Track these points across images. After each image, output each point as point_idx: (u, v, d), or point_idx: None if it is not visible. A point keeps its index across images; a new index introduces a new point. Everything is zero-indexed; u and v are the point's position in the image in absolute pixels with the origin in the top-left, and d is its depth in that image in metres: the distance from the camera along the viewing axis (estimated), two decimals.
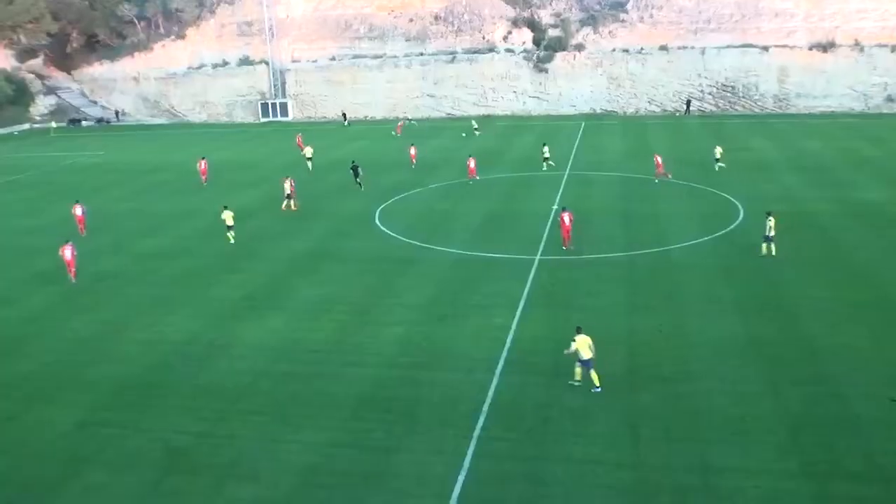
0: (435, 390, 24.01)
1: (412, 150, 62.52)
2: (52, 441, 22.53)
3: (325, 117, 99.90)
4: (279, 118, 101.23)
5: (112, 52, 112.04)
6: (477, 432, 21.42)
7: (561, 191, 49.58)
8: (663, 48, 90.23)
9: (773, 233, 34.72)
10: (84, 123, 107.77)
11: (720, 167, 54.57)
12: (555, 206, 45.09)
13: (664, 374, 24.41)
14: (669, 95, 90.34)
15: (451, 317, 29.79)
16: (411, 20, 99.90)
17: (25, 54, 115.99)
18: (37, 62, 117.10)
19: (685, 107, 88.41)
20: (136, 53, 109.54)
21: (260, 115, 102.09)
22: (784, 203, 43.66)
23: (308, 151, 63.75)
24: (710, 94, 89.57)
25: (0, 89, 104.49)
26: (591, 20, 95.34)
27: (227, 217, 42.12)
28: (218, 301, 33.14)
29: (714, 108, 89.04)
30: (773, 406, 22.19)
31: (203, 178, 58.41)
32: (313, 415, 22.95)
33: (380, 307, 31.25)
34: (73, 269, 36.91)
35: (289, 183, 49.22)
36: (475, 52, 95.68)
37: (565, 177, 54.23)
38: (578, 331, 23.91)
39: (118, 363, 27.47)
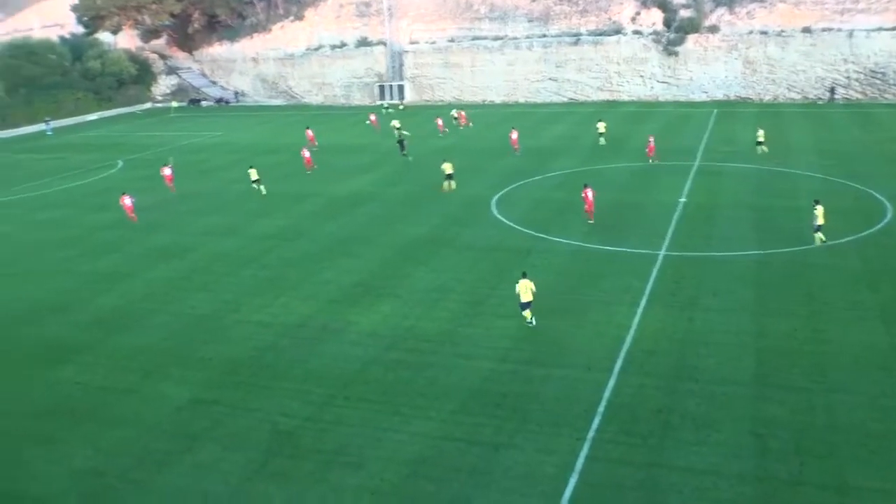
0: (548, 387, 23.84)
1: (513, 135, 62.19)
2: (166, 415, 23.67)
3: (441, 100, 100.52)
4: (396, 101, 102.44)
5: (232, 33, 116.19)
6: (591, 434, 21.15)
7: (689, 182, 48.21)
8: (806, 30, 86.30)
9: (821, 221, 34.92)
10: (203, 104, 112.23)
11: (762, 151, 55.07)
12: (682, 199, 43.94)
13: (796, 383, 23.39)
14: (812, 81, 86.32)
15: (568, 311, 29.44)
16: (534, 0, 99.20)
17: (149, 35, 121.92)
18: (159, 43, 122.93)
19: (829, 94, 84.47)
20: (255, 34, 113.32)
21: (377, 98, 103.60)
22: None
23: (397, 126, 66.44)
24: (856, 80, 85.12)
25: (124, 69, 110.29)
26: (726, 0, 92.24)
27: (252, 173, 52.59)
28: (331, 285, 33.90)
29: (861, 96, 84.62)
30: None
31: (308, 165, 59.62)
32: (423, 405, 23.16)
33: (494, 298, 31.21)
34: (132, 214, 47.35)
35: (449, 165, 49.88)
36: (600, 34, 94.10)
37: (694, 167, 52.73)
38: (524, 275, 28.24)
39: (231, 343, 28.56)
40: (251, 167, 53.36)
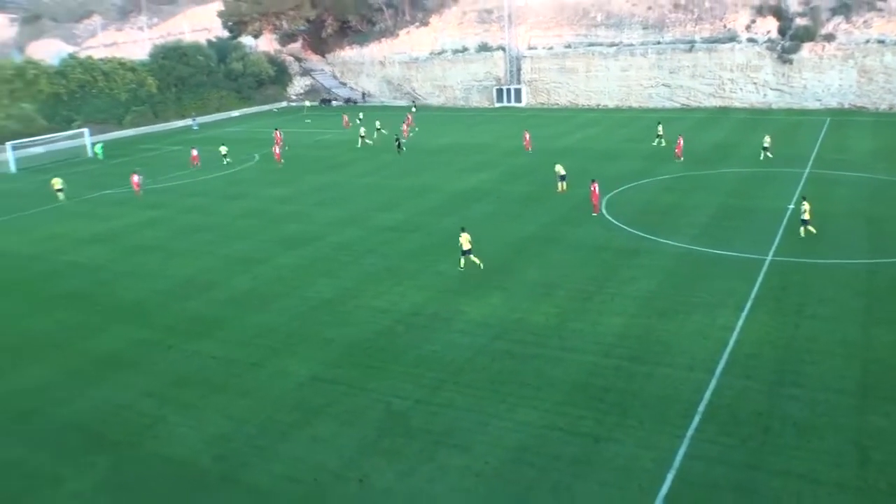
0: (650, 384, 23.37)
1: (526, 136, 66.00)
2: (288, 390, 24.43)
3: (556, 104, 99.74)
4: (512, 104, 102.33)
5: (362, 38, 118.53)
6: (690, 432, 20.60)
7: (799, 189, 46.23)
8: None
9: (806, 216, 36.57)
10: (334, 103, 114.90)
11: (767, 157, 55.47)
12: (790, 206, 42.20)
13: None
14: None
15: (672, 312, 28.76)
16: (650, 8, 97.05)
17: (286, 39, 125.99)
18: (295, 46, 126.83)
19: None
20: (382, 39, 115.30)
21: (494, 101, 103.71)
22: None
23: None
24: None
25: (263, 70, 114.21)
26: (843, 8, 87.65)
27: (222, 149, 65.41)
28: (444, 276, 34.20)
29: None
30: None
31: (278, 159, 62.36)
32: (528, 395, 23.10)
33: (601, 296, 30.79)
34: (138, 189, 55.58)
35: (561, 167, 49.60)
36: (714, 41, 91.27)
37: (805, 174, 50.55)
38: (462, 230, 34.71)
39: (351, 326, 29.21)
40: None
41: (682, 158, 56.77)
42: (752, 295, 29.94)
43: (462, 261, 34.33)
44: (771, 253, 34.80)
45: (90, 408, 24.21)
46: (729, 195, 45.91)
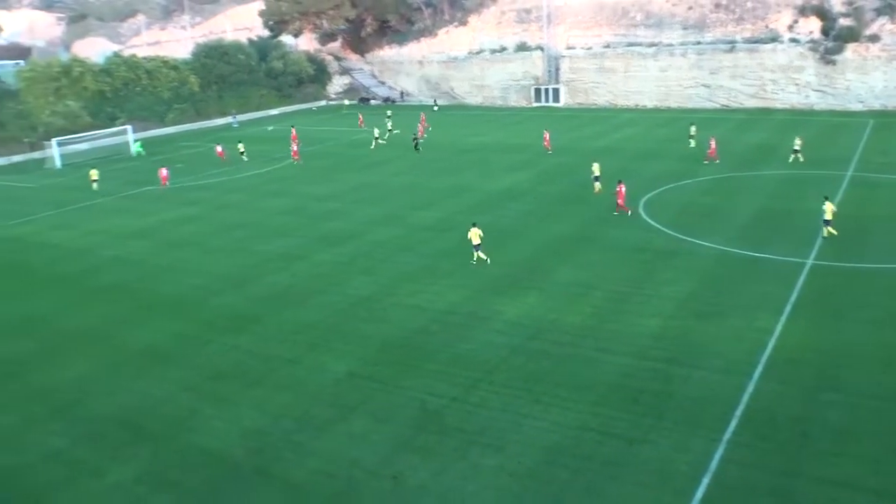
0: (687, 387, 23.08)
1: (546, 136, 66.06)
2: (325, 386, 24.57)
3: (594, 104, 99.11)
4: (550, 103, 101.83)
5: (400, 37, 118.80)
6: (727, 436, 20.29)
7: (841, 192, 45.36)
8: None
9: (829, 216, 36.39)
10: (372, 102, 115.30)
11: (795, 159, 54.49)
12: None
13: None
14: None
15: (710, 314, 28.37)
16: (690, 8, 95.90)
17: (326, 38, 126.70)
18: (335, 45, 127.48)
19: None
20: (421, 38, 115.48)
21: (532, 100, 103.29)
22: None
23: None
24: None
25: (303, 68, 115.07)
26: (888, 9, 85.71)
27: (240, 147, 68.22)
28: (480, 275, 34.10)
29: None
30: None
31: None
32: (562, 396, 22.94)
33: (638, 297, 30.49)
34: (165, 182, 58.76)
35: (597, 166, 49.37)
36: (756, 42, 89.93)
37: (847, 177, 49.57)
38: (474, 225, 35.66)
39: (387, 323, 29.29)
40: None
41: (717, 160, 55.94)
42: (792, 298, 29.42)
43: (475, 255, 35.39)
44: (812, 256, 34.17)
45: (130, 400, 24.57)
46: (769, 197, 45.18)
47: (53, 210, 53.61)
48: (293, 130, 76.91)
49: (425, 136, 76.54)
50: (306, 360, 26.55)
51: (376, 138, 74.05)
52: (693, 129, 63.87)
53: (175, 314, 31.89)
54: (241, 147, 70.58)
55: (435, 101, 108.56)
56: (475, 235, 35.26)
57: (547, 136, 66.40)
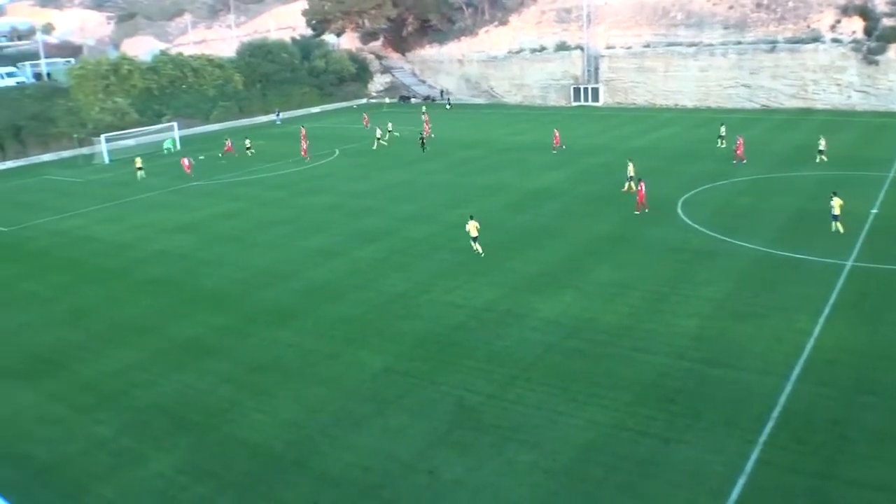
0: (723, 388, 22.81)
1: (556, 133, 66.86)
2: (362, 380, 24.72)
3: (633, 103, 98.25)
4: (590, 103, 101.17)
5: (441, 36, 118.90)
6: (763, 437, 20.02)
7: (883, 193, 44.39)
8: None
9: (837, 212, 36.70)
10: (413, 101, 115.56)
11: (822, 160, 53.89)
12: (874, 210, 40.60)
13: None
14: None
15: (748, 315, 27.98)
16: (731, 7, 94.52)
17: (367, 37, 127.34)
18: (376, 44, 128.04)
19: None
20: (462, 38, 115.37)
21: (571, 99, 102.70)
22: None
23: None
24: None
25: (345, 67, 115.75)
26: None
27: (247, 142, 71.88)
28: (517, 273, 34.03)
29: None
30: None
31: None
32: (598, 394, 22.83)
33: (675, 297, 30.19)
34: (189, 170, 62.44)
35: (632, 166, 49.00)
36: (797, 42, 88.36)
37: (889, 178, 48.52)
38: (471, 218, 36.62)
39: (424, 320, 29.38)
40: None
41: (745, 160, 55.25)
42: (831, 300, 28.90)
43: (478, 246, 36.60)
44: (851, 258, 33.53)
45: (173, 391, 24.99)
46: (809, 198, 44.39)
47: (101, 204, 54.67)
48: (302, 130, 77.74)
49: (431, 135, 76.68)
50: (344, 355, 26.74)
51: (378, 138, 74.28)
52: (723, 130, 63.09)
53: (217, 308, 32.35)
54: (247, 143, 73.47)
55: (448, 100, 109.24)
56: (473, 228, 36.36)
57: (557, 134, 66.72)
